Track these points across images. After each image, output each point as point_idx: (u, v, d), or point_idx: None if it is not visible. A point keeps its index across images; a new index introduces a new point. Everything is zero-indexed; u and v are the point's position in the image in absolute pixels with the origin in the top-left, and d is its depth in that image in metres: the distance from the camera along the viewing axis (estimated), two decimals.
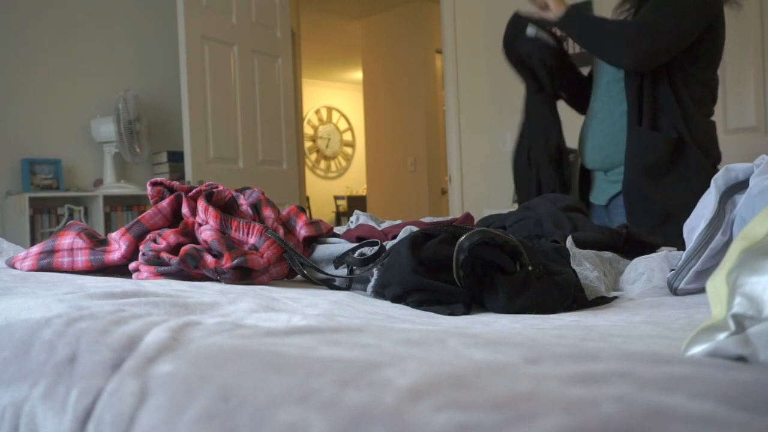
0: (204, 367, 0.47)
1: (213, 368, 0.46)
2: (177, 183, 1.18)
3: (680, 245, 1.02)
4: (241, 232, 1.09)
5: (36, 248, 1.14)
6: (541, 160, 2.05)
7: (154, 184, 1.17)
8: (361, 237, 1.16)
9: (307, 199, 6.94)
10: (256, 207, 1.18)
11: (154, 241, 1.06)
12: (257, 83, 3.81)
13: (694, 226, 0.97)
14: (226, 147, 3.61)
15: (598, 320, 0.78)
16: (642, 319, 0.78)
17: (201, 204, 1.10)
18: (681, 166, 1.79)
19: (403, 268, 0.88)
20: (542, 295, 0.85)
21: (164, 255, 1.02)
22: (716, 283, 0.45)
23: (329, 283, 1.08)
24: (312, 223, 1.20)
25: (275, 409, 0.40)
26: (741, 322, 0.41)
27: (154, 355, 0.51)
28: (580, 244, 1.15)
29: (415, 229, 1.07)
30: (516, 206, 1.66)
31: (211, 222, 1.08)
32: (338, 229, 1.34)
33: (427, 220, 1.41)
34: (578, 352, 0.45)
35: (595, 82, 2.01)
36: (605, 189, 1.99)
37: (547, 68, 1.97)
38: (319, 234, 1.19)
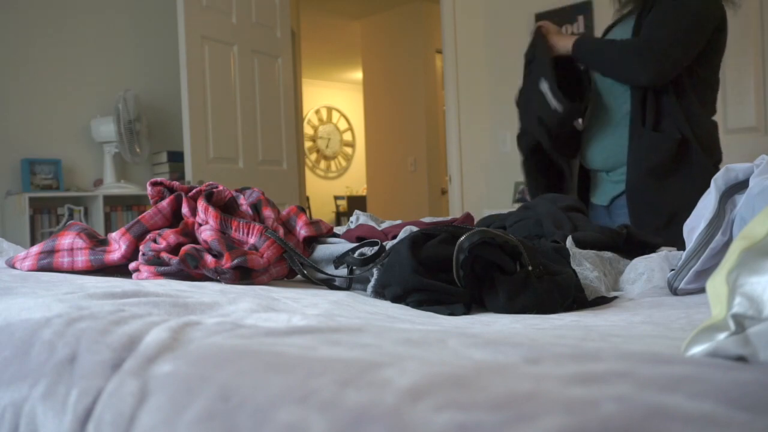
0: (204, 367, 0.47)
1: (213, 368, 0.46)
2: (177, 183, 1.18)
3: (683, 246, 1.02)
4: (241, 232, 1.09)
5: (36, 248, 1.14)
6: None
7: (154, 184, 1.17)
8: (361, 237, 1.16)
9: (307, 199, 6.95)
10: (256, 207, 1.18)
11: (154, 241, 1.06)
12: (257, 83, 3.81)
13: (694, 226, 0.97)
14: (226, 147, 3.61)
15: (598, 320, 0.78)
16: (642, 319, 0.78)
17: (201, 204, 1.10)
18: (685, 167, 1.79)
19: (403, 268, 0.88)
20: (542, 295, 0.85)
21: (164, 255, 1.02)
22: (716, 283, 0.45)
23: (329, 283, 1.08)
24: (312, 223, 1.20)
25: (275, 409, 0.40)
26: (741, 322, 0.41)
27: (154, 355, 0.51)
28: (580, 244, 1.15)
29: (415, 229, 1.07)
30: (516, 206, 1.66)
31: (211, 222, 1.08)
32: (338, 229, 1.34)
33: (427, 220, 1.41)
34: (578, 352, 0.45)
35: (596, 81, 2.01)
36: (607, 189, 1.98)
37: (545, 127, 1.96)
38: (319, 234, 1.19)
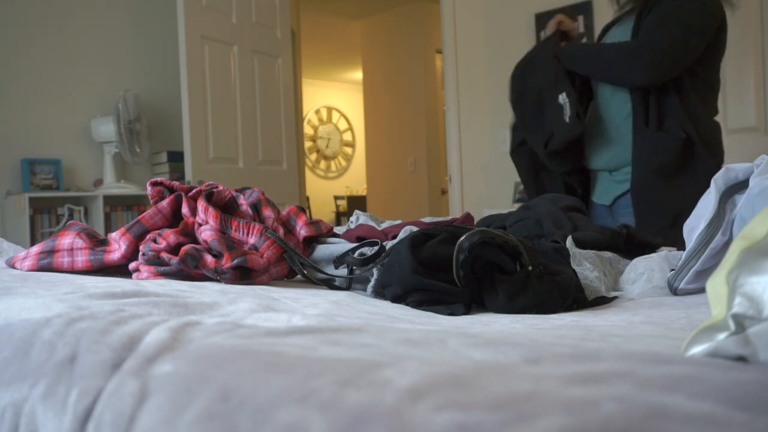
0: (204, 367, 0.47)
1: (213, 368, 0.46)
2: (177, 183, 1.18)
3: (684, 246, 1.02)
4: (241, 232, 1.09)
5: (36, 248, 1.14)
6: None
7: (154, 184, 1.17)
8: (361, 237, 1.16)
9: (307, 199, 6.95)
10: (256, 207, 1.18)
11: (154, 241, 1.06)
12: (257, 83, 3.81)
13: (694, 226, 0.97)
14: (226, 147, 3.61)
15: (598, 320, 0.78)
16: (642, 319, 0.78)
17: (201, 204, 1.10)
18: (689, 167, 1.79)
19: (403, 268, 0.88)
20: (542, 295, 0.85)
21: (164, 255, 1.02)
22: (716, 283, 0.45)
23: (329, 283, 1.08)
24: (312, 223, 1.20)
25: (275, 409, 0.40)
26: (741, 322, 0.41)
27: (154, 355, 0.51)
28: (580, 244, 1.15)
29: (415, 229, 1.07)
30: (516, 206, 1.66)
31: (211, 222, 1.08)
32: (338, 229, 1.34)
33: (427, 220, 1.41)
34: (578, 352, 0.45)
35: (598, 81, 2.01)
36: (610, 189, 1.98)
37: (552, 139, 1.95)
38: (319, 234, 1.19)
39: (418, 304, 0.87)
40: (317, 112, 9.40)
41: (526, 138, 2.03)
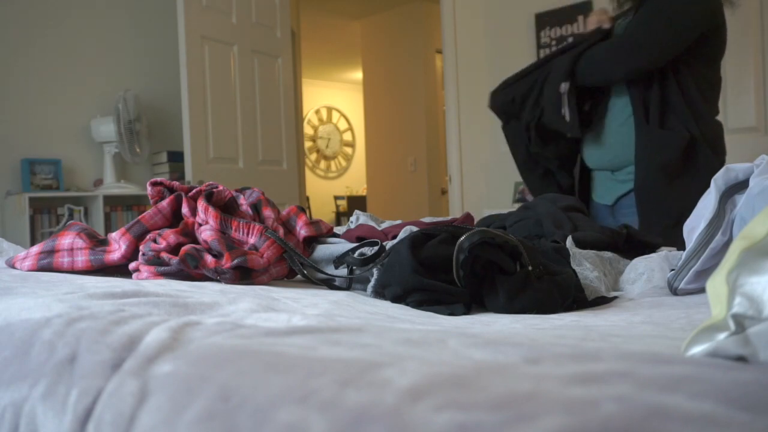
0: (204, 367, 0.47)
1: (213, 368, 0.46)
2: (177, 183, 1.18)
3: (684, 246, 1.02)
4: (241, 232, 1.09)
5: (36, 248, 1.14)
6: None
7: (154, 184, 1.17)
8: (361, 237, 1.16)
9: (307, 199, 6.94)
10: (256, 207, 1.18)
11: (154, 241, 1.06)
12: (257, 83, 3.81)
13: (694, 226, 0.97)
14: (226, 147, 3.61)
15: (598, 320, 0.78)
16: (642, 319, 0.78)
17: (201, 204, 1.10)
18: (693, 166, 1.79)
19: (403, 268, 0.88)
20: (542, 295, 0.85)
21: (164, 255, 1.02)
22: (716, 283, 0.45)
23: (329, 283, 1.08)
24: (312, 223, 1.20)
25: (275, 409, 0.40)
26: (741, 322, 0.41)
27: (154, 355, 0.51)
28: (580, 244, 1.15)
29: (415, 229, 1.07)
30: (516, 206, 1.66)
31: (211, 222, 1.08)
32: (338, 229, 1.34)
33: (427, 220, 1.41)
34: (578, 352, 0.45)
35: None
36: (612, 188, 1.98)
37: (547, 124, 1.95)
38: (319, 234, 1.19)
39: (418, 304, 0.87)
40: (317, 112, 9.40)
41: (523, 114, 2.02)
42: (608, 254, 1.18)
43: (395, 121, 6.11)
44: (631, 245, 1.29)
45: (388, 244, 1.03)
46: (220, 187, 1.14)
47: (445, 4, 3.99)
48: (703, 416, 0.31)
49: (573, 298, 0.91)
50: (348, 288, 1.05)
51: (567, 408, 0.33)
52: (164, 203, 1.13)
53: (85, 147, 3.83)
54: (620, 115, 1.92)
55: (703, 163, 1.78)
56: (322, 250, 1.13)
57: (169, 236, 1.05)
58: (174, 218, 1.14)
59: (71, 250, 1.11)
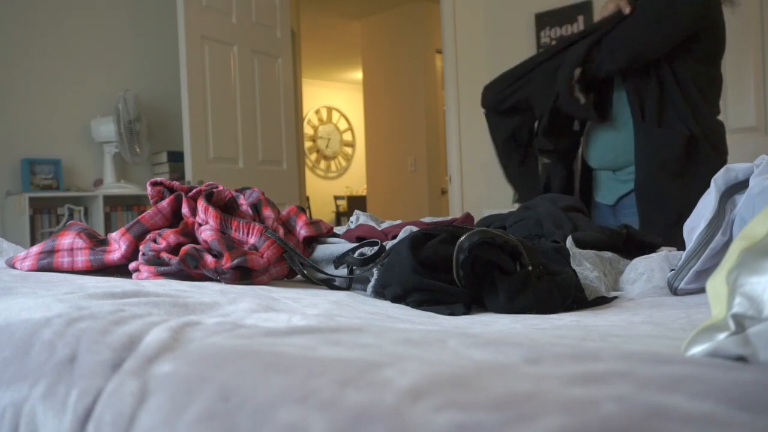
0: (204, 367, 0.47)
1: (213, 368, 0.46)
2: (177, 183, 1.18)
3: (684, 245, 1.02)
4: (241, 232, 1.09)
5: (36, 248, 1.14)
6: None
7: (154, 184, 1.17)
8: (361, 237, 1.16)
9: (307, 199, 6.94)
10: (256, 207, 1.18)
11: (154, 241, 1.06)
12: (257, 83, 3.81)
13: (694, 226, 0.97)
14: (226, 147, 3.61)
15: (598, 320, 0.78)
16: (642, 319, 0.78)
17: (201, 204, 1.10)
18: (694, 165, 1.79)
19: (403, 268, 0.88)
20: (542, 295, 0.85)
21: (164, 255, 1.02)
22: (716, 283, 0.45)
23: (329, 283, 1.08)
24: (312, 223, 1.20)
25: (275, 409, 0.40)
26: (741, 322, 0.41)
27: (154, 355, 0.51)
28: (580, 244, 1.15)
29: (415, 229, 1.07)
30: (516, 206, 1.66)
31: (211, 222, 1.08)
32: (338, 229, 1.34)
33: (427, 220, 1.41)
34: (578, 352, 0.45)
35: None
36: (614, 188, 1.98)
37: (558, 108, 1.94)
38: (319, 234, 1.19)
39: (418, 304, 0.87)
40: (317, 112, 9.40)
41: (533, 100, 2.01)
42: (608, 254, 1.18)
43: (395, 121, 6.11)
44: (631, 245, 1.29)
45: (388, 244, 1.03)
46: (220, 187, 1.14)
47: (445, 4, 3.99)
48: (703, 416, 0.31)
49: (573, 298, 0.91)
50: (348, 288, 1.05)
51: (567, 408, 0.33)
52: (164, 203, 1.13)
53: (85, 147, 3.83)
54: (621, 113, 1.92)
55: (703, 162, 1.78)
56: (322, 250, 1.13)
57: (169, 236, 1.05)
58: (174, 218, 1.14)
59: (71, 250, 1.11)
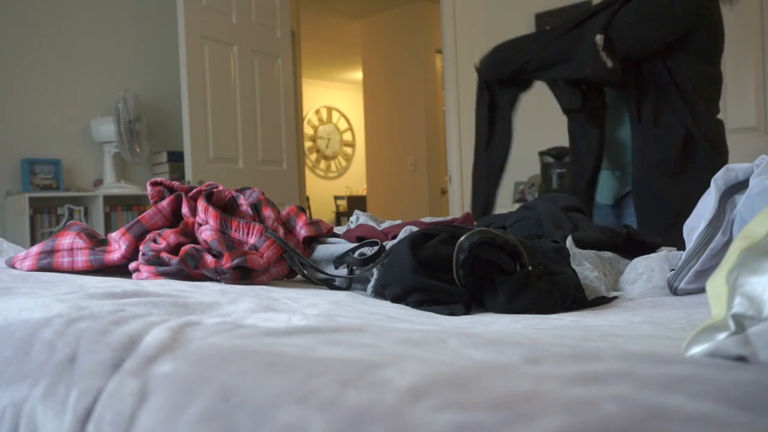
0: (204, 367, 0.47)
1: (213, 368, 0.46)
2: (177, 183, 1.18)
3: (684, 245, 1.02)
4: (241, 232, 1.09)
5: (36, 248, 1.14)
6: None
7: (154, 184, 1.17)
8: (361, 237, 1.16)
9: (307, 199, 6.94)
10: (256, 207, 1.18)
11: (154, 241, 1.06)
12: (257, 83, 3.81)
13: (694, 226, 0.97)
14: (226, 147, 3.61)
15: (598, 320, 0.78)
16: (642, 319, 0.78)
17: (201, 204, 1.10)
18: (692, 164, 1.79)
19: (403, 268, 0.88)
20: (542, 295, 0.85)
21: (164, 255, 1.02)
22: (716, 283, 0.45)
23: (329, 283, 1.08)
24: (312, 223, 1.20)
25: (275, 409, 0.40)
26: (741, 322, 0.41)
27: (154, 355, 0.51)
28: (580, 244, 1.15)
29: (415, 229, 1.07)
30: (516, 206, 1.66)
31: (211, 222, 1.08)
32: (338, 229, 1.34)
33: (427, 220, 1.40)
34: (578, 352, 0.45)
35: None
36: (613, 188, 1.98)
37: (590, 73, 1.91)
38: (319, 234, 1.19)
39: (418, 304, 0.87)
40: (317, 112, 9.40)
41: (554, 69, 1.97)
42: (608, 254, 1.18)
43: (395, 121, 6.11)
44: (631, 245, 1.29)
45: (388, 244, 1.03)
46: (220, 187, 1.14)
47: (445, 4, 3.99)
48: (703, 416, 0.31)
49: (573, 298, 0.91)
50: (348, 288, 1.05)
51: (567, 408, 0.33)
52: (164, 203, 1.13)
53: (85, 147, 3.83)
54: (619, 113, 1.92)
55: (702, 161, 1.78)
56: (322, 250, 1.13)
57: (169, 236, 1.05)
58: (174, 218, 1.14)
59: (71, 250, 1.11)
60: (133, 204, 3.89)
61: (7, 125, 3.57)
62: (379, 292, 0.96)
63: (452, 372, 0.40)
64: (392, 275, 0.90)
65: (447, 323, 0.74)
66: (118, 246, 1.09)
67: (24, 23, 3.63)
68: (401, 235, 1.08)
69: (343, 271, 1.06)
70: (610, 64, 1.82)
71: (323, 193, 9.26)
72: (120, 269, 1.10)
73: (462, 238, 0.85)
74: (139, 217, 1.12)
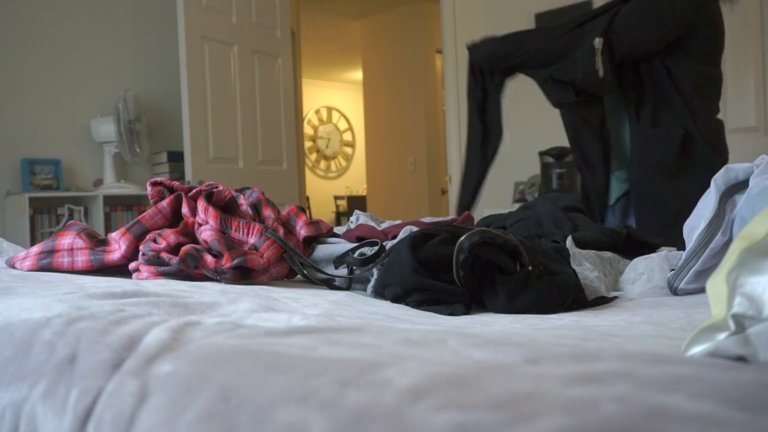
0: (204, 367, 0.47)
1: (213, 368, 0.46)
2: (177, 183, 1.18)
3: (684, 245, 1.02)
4: (241, 232, 1.09)
5: (36, 248, 1.14)
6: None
7: (154, 184, 1.17)
8: (361, 237, 1.16)
9: (307, 199, 6.94)
10: (256, 207, 1.18)
11: (154, 241, 1.06)
12: (257, 83, 3.81)
13: (694, 226, 0.97)
14: (226, 147, 3.61)
15: (598, 320, 0.78)
16: (642, 319, 0.78)
17: (201, 204, 1.10)
18: (691, 164, 1.79)
19: (403, 268, 0.88)
20: (542, 295, 0.85)
21: (164, 255, 1.02)
22: (716, 283, 0.45)
23: (329, 283, 1.08)
24: (312, 223, 1.20)
25: (275, 409, 0.40)
26: (741, 322, 0.41)
27: (154, 355, 0.51)
28: (580, 244, 1.15)
29: (415, 229, 1.07)
30: (516, 206, 1.65)
31: (211, 222, 1.08)
32: (338, 229, 1.34)
33: (427, 220, 1.41)
34: (578, 352, 0.45)
35: None
36: (614, 188, 1.99)
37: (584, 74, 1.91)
38: (319, 234, 1.19)
39: (418, 304, 0.87)
40: (317, 112, 9.40)
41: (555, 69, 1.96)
42: (608, 254, 1.18)
43: (395, 121, 6.11)
44: (631, 245, 1.29)
45: (388, 244, 1.03)
46: (220, 187, 1.14)
47: (445, 4, 3.99)
48: (703, 416, 0.31)
49: (573, 298, 0.91)
50: (348, 288, 1.05)
51: (567, 408, 0.33)
52: (164, 203, 1.13)
53: (85, 147, 3.83)
54: (618, 113, 1.92)
55: (701, 161, 1.78)
56: (322, 250, 1.13)
57: (169, 236, 1.05)
58: (174, 218, 1.14)
59: (71, 250, 1.11)
60: (133, 204, 3.89)
61: (7, 125, 3.57)
62: (379, 292, 0.96)
63: (452, 372, 0.40)
64: (392, 275, 0.90)
65: (447, 323, 0.74)
66: (118, 246, 1.09)
67: (24, 23, 3.63)
68: (401, 235, 1.08)
69: (343, 271, 1.06)
70: (601, 73, 1.82)
71: (323, 193, 9.25)
72: (120, 269, 1.10)
73: (462, 238, 0.85)
74: (139, 217, 1.12)
